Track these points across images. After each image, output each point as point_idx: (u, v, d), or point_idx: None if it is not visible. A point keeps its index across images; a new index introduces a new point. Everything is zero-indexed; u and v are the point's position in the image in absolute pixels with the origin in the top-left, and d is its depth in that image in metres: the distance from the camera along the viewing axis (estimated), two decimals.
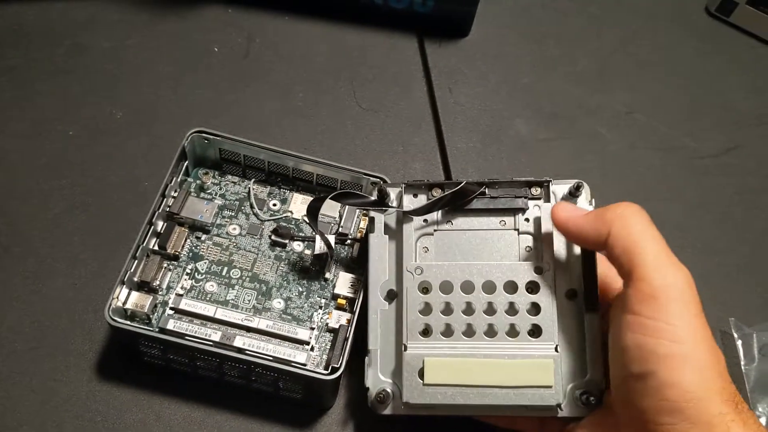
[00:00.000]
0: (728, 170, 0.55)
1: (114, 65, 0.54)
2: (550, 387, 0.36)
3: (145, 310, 0.39)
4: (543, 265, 0.37)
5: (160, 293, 0.41)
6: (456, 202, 0.39)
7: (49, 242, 0.46)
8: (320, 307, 0.42)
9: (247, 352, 0.38)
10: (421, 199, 0.40)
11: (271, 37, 0.57)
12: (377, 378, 0.38)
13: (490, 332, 0.38)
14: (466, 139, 0.54)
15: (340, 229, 0.45)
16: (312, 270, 0.43)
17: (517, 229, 0.39)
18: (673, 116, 0.57)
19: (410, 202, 0.40)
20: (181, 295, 0.41)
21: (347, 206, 0.45)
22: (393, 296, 0.39)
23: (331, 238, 0.44)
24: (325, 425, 0.42)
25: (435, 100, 0.56)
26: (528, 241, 0.39)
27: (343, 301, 0.42)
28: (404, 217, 0.39)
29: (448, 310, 0.38)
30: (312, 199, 0.42)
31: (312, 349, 0.41)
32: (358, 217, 0.45)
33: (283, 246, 0.44)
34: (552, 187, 0.39)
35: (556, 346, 0.37)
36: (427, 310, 0.38)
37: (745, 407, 0.31)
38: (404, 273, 0.38)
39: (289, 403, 0.41)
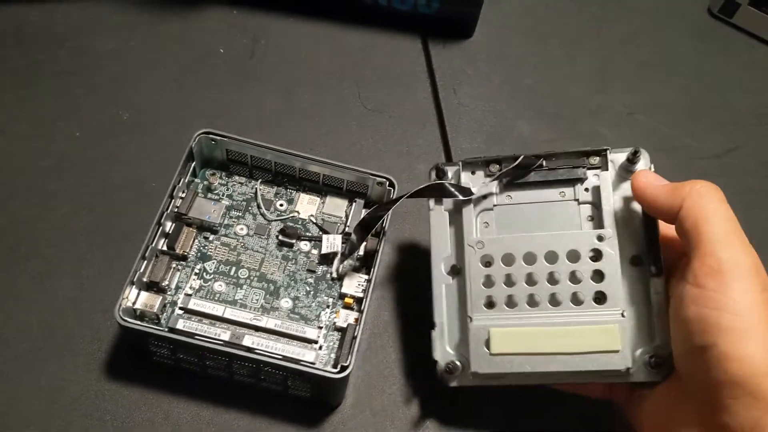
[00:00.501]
0: (729, 171, 0.56)
1: (118, 67, 0.54)
2: (617, 351, 0.36)
3: (155, 310, 0.40)
4: (605, 233, 0.37)
5: (168, 293, 0.42)
6: (517, 174, 0.39)
7: (55, 243, 0.46)
8: (328, 307, 0.43)
9: (256, 351, 0.38)
10: (479, 176, 0.40)
11: (276, 38, 0.57)
12: (445, 351, 0.39)
13: (554, 301, 0.38)
14: (470, 139, 0.54)
15: (347, 229, 0.45)
16: (319, 270, 0.44)
17: (577, 200, 0.39)
18: (674, 117, 0.58)
19: (468, 179, 0.40)
20: (190, 295, 0.41)
21: (354, 206, 0.45)
22: (456, 272, 0.40)
23: (338, 238, 0.44)
24: (333, 423, 0.42)
25: (439, 101, 0.56)
26: (588, 210, 0.39)
27: (351, 301, 0.42)
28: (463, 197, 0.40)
29: (510, 281, 0.38)
30: (370, 210, 0.42)
31: (320, 348, 0.41)
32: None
33: (291, 246, 0.44)
34: (610, 156, 0.39)
35: (623, 311, 0.36)
36: (489, 282, 0.39)
37: None
38: (466, 248, 0.39)
39: (297, 402, 0.41)
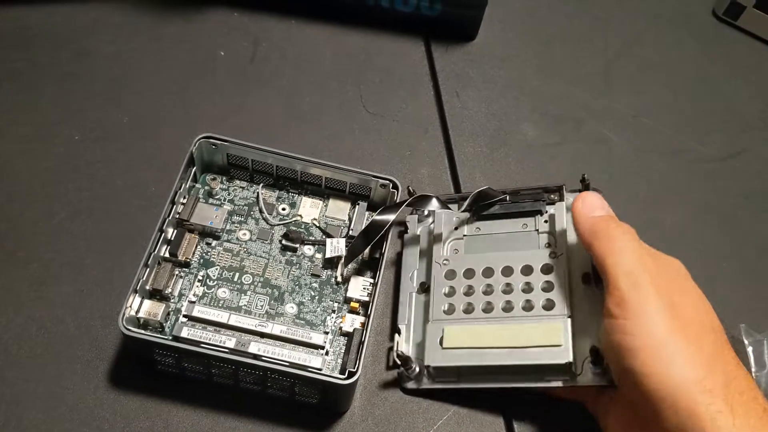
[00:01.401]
0: (734, 174, 0.55)
1: (119, 69, 0.54)
2: (559, 346, 0.38)
3: (158, 318, 0.39)
4: (557, 250, 0.41)
5: (172, 301, 0.41)
6: (484, 207, 0.44)
7: (54, 247, 0.45)
8: (333, 311, 0.42)
9: (263, 358, 0.38)
10: (453, 207, 0.45)
11: (278, 41, 0.57)
12: (406, 354, 0.41)
13: (508, 308, 0.41)
14: (473, 143, 0.54)
15: (351, 232, 0.44)
16: (323, 274, 0.43)
17: (537, 230, 0.43)
18: (679, 120, 0.57)
19: (442, 211, 0.45)
20: (194, 302, 0.41)
21: (357, 209, 0.45)
22: (425, 289, 0.44)
23: (342, 241, 0.43)
24: (340, 429, 0.41)
25: (442, 104, 0.55)
26: (546, 238, 0.43)
27: (356, 305, 0.42)
28: (436, 225, 0.45)
29: (469, 292, 0.42)
30: (376, 212, 0.42)
31: (327, 353, 0.40)
32: (367, 219, 0.45)
33: (294, 250, 0.44)
34: (565, 192, 0.44)
35: (568, 315, 0.39)
36: (451, 292, 0.42)
37: (745, 399, 0.33)
38: (433, 264, 0.43)
39: (303, 408, 0.41)
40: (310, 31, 0.58)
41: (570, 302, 0.39)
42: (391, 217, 0.41)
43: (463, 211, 0.45)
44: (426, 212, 0.46)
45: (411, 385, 0.42)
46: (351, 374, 0.37)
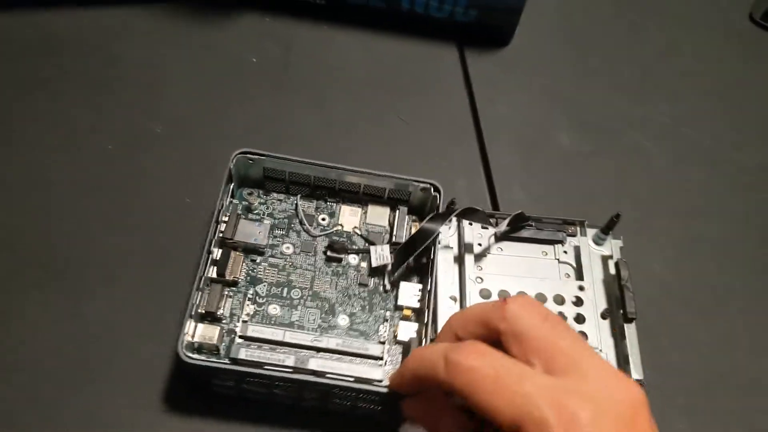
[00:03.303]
0: None
1: (149, 76, 0.53)
2: None
3: (215, 342, 0.38)
4: (585, 284, 0.43)
5: (224, 322, 0.40)
6: (509, 230, 0.44)
7: (88, 261, 0.45)
8: (385, 320, 0.41)
9: (327, 375, 0.37)
10: (476, 226, 0.45)
11: (310, 46, 0.56)
12: None
13: None
14: (508, 152, 0.53)
15: (394, 238, 0.44)
16: (371, 282, 0.43)
17: (558, 259, 0.44)
18: (718, 128, 0.56)
19: (465, 226, 0.45)
20: (246, 322, 0.40)
21: (398, 213, 0.45)
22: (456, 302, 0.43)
23: (386, 248, 0.43)
24: None
25: (477, 111, 0.54)
26: (566, 269, 0.44)
27: (409, 312, 0.41)
28: (466, 239, 0.44)
29: None
30: (425, 220, 0.42)
31: (385, 363, 0.40)
32: (409, 224, 0.45)
33: (339, 261, 0.43)
34: (587, 226, 0.45)
35: (600, 349, 0.40)
36: None
37: None
38: (467, 280, 0.42)
39: (364, 420, 0.40)
40: (342, 38, 0.57)
41: (599, 336, 0.41)
42: (439, 226, 0.41)
43: (501, 232, 0.44)
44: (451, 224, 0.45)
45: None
46: None
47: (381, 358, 0.40)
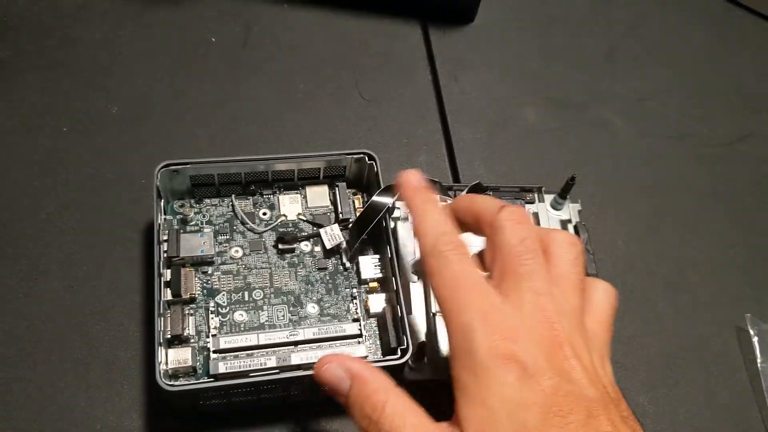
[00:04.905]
0: (741, 158, 0.54)
1: (106, 57, 0.52)
2: None
3: (189, 363, 0.37)
4: None
5: (192, 341, 0.39)
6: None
7: (43, 242, 0.44)
8: (353, 298, 0.41)
9: (312, 365, 0.36)
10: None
11: (270, 25, 0.55)
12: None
13: None
14: (472, 129, 0.52)
15: (341, 215, 0.43)
16: (329, 264, 0.42)
17: None
18: (685, 103, 0.56)
19: None
20: (216, 335, 0.39)
21: (338, 189, 0.44)
22: (419, 274, 0.43)
23: (336, 227, 0.43)
24: None
25: (440, 88, 0.54)
26: None
27: (375, 284, 0.41)
28: None
29: None
30: (376, 193, 0.41)
31: (365, 339, 0.40)
32: (350, 198, 0.45)
33: (292, 251, 0.43)
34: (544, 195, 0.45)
35: None
36: None
37: None
38: None
39: None
40: (303, 15, 0.56)
41: None
42: (389, 200, 0.41)
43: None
44: None
45: (413, 375, 0.40)
46: (403, 351, 0.37)
47: (360, 335, 0.40)
